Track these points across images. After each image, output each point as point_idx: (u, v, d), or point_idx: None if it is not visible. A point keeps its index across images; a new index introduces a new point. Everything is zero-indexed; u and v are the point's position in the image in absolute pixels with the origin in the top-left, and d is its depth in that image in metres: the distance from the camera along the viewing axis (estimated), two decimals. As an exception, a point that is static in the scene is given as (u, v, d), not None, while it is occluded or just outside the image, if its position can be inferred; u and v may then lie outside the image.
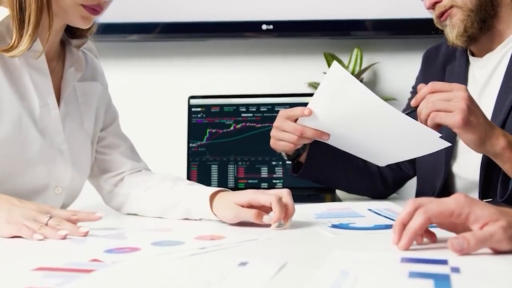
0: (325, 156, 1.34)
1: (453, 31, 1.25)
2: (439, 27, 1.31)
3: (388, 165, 1.44)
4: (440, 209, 0.75)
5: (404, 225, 0.78)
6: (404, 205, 0.78)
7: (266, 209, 0.98)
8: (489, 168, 1.18)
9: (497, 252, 0.73)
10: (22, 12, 1.00)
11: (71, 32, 1.17)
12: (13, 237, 0.89)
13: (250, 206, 0.99)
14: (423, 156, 1.40)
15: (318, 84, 1.94)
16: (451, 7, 1.24)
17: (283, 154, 1.35)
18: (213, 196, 1.05)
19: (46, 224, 0.90)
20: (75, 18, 1.05)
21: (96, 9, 1.04)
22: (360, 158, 1.42)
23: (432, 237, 0.81)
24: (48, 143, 1.09)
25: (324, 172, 1.37)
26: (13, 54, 1.01)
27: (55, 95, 1.11)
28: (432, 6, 1.27)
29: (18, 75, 1.06)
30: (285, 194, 0.98)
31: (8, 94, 1.03)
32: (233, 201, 1.00)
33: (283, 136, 1.20)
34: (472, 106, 1.02)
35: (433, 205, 0.76)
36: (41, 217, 0.92)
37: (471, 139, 1.04)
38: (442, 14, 1.26)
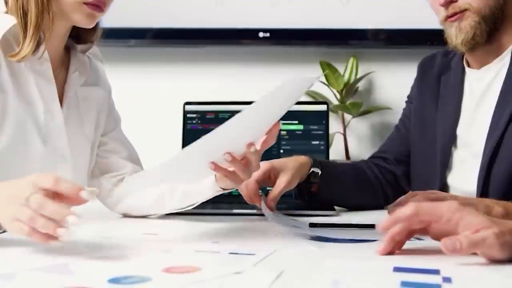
0: (336, 183, 1.34)
1: (460, 35, 1.22)
2: (442, 26, 1.28)
3: (389, 182, 1.44)
4: (432, 208, 0.78)
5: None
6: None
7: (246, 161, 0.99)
8: (486, 180, 1.18)
9: (489, 260, 0.74)
10: (26, 16, 1.02)
11: (77, 38, 1.17)
12: None
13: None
14: (418, 168, 1.40)
15: (313, 92, 1.95)
16: (466, 10, 1.22)
17: None
18: None
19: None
20: (79, 17, 1.05)
21: (99, 5, 1.05)
22: (365, 178, 1.41)
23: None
24: (50, 150, 1.09)
25: (338, 197, 1.36)
26: (18, 58, 1.02)
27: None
28: (447, 4, 1.23)
29: (24, 81, 1.06)
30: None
31: (14, 100, 1.04)
32: None
33: None
34: None
35: (427, 203, 0.79)
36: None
37: None
38: (453, 15, 1.23)
